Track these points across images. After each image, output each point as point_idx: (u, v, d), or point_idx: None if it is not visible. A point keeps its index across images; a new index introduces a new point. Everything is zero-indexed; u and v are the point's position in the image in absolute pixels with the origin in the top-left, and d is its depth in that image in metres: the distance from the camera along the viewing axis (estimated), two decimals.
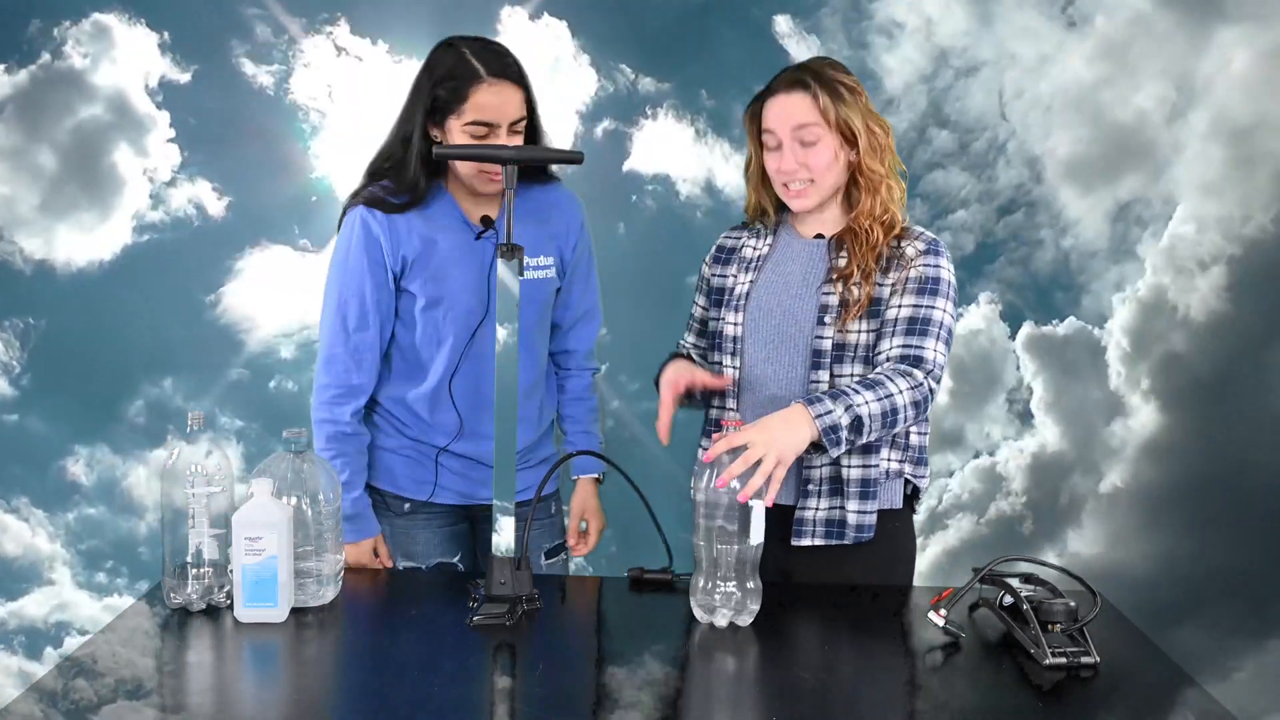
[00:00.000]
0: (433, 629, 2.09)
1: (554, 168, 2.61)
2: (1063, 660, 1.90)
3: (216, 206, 3.88)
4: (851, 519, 2.32)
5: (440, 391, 2.49)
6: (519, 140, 2.41)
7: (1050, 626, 1.95)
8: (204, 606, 2.11)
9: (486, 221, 2.45)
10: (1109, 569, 3.95)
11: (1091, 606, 1.97)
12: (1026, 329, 3.97)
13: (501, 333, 2.16)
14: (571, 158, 2.27)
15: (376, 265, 2.44)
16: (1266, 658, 3.88)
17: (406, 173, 2.43)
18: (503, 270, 2.14)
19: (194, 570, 2.10)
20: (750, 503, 2.04)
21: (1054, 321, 3.97)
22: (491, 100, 2.35)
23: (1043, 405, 3.99)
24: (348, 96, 3.84)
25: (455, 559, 2.60)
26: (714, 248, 2.55)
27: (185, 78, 3.84)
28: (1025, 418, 3.99)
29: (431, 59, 2.43)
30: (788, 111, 2.33)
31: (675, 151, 3.95)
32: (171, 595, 2.11)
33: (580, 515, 2.68)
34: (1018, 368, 3.99)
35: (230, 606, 2.08)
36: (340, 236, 2.49)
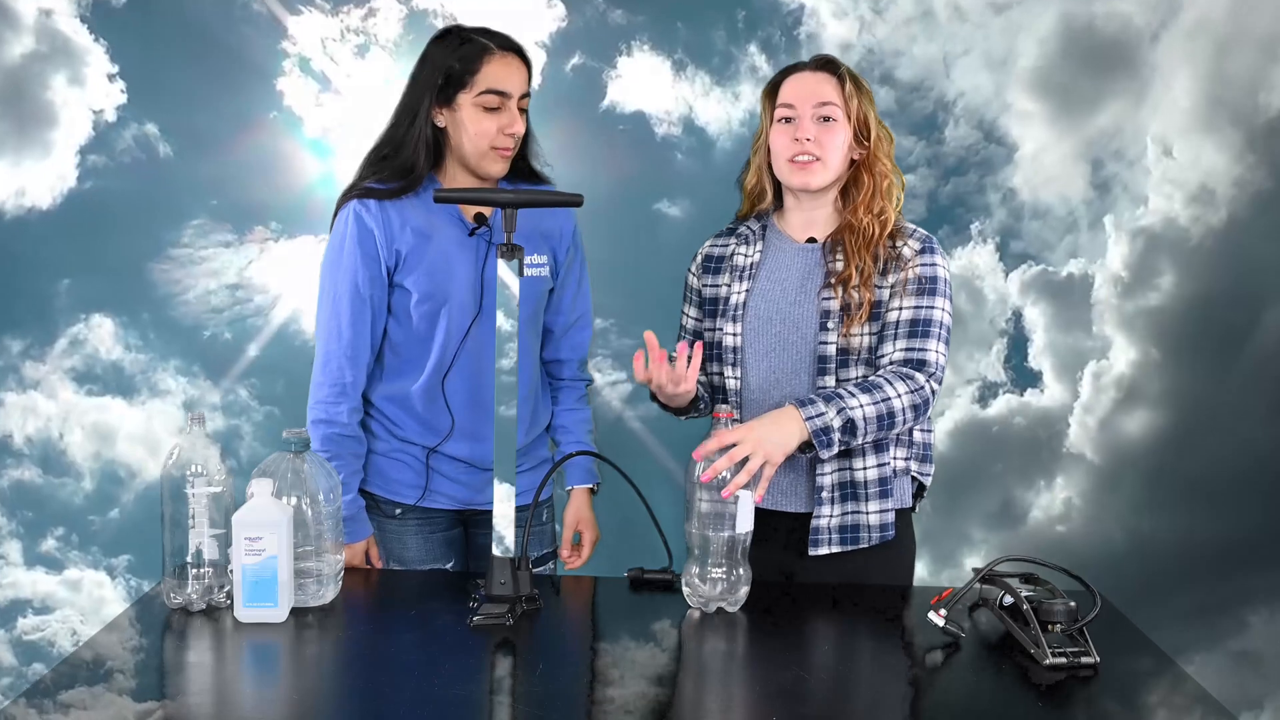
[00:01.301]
0: (433, 629, 2.23)
1: (544, 169, 2.74)
2: (1063, 660, 2.06)
3: (164, 149, 3.92)
4: (874, 519, 2.50)
5: (433, 389, 2.63)
6: (524, 118, 2.58)
7: (1050, 626, 2.11)
8: (204, 606, 2.24)
9: (480, 219, 2.58)
10: (1086, 534, 4.11)
11: (1091, 606, 2.14)
12: (1012, 276, 4.07)
13: (503, 332, 2.30)
14: (571, 200, 2.39)
15: (370, 259, 2.57)
16: (1245, 634, 4.07)
17: (404, 153, 2.57)
18: (502, 270, 2.27)
19: (194, 570, 2.24)
20: (738, 493, 2.24)
21: (1033, 264, 4.07)
22: (502, 71, 2.52)
23: (1023, 357, 4.10)
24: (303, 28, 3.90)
25: (449, 565, 2.75)
26: (700, 257, 2.68)
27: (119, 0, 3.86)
28: (1002, 371, 4.10)
29: (430, 47, 2.58)
30: (812, 87, 2.49)
31: (652, 88, 4.00)
32: (171, 595, 2.25)
33: (574, 526, 2.83)
34: (1017, 316, 4.11)
35: (230, 606, 2.22)
36: (334, 232, 2.62)
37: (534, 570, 2.71)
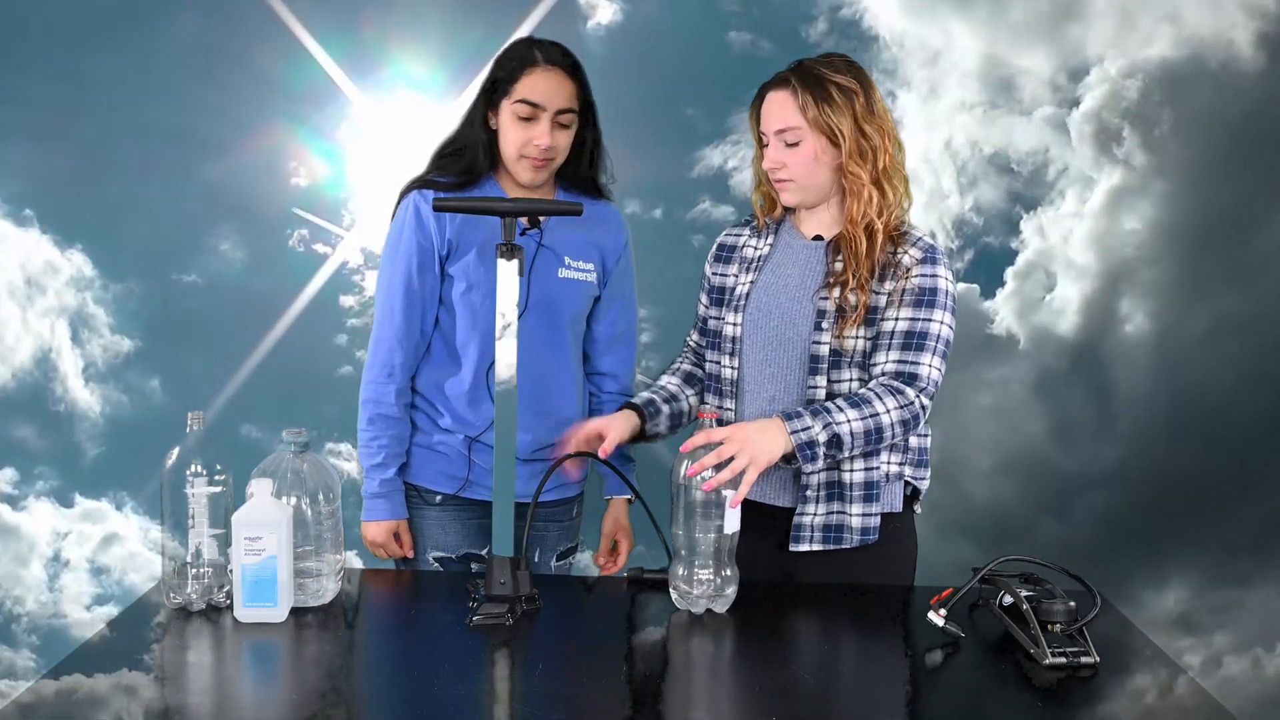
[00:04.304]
0: (433, 629, 2.24)
1: (607, 185, 2.83)
2: (1063, 660, 2.05)
3: None
4: (855, 522, 2.50)
5: (477, 380, 2.71)
6: (564, 133, 2.65)
7: (1050, 626, 2.11)
8: (204, 606, 2.25)
9: (533, 219, 2.61)
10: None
11: (1091, 606, 2.14)
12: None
13: (506, 335, 2.31)
14: (570, 209, 2.41)
15: (424, 250, 2.69)
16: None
17: (466, 154, 2.69)
18: (502, 272, 2.29)
19: (194, 570, 2.25)
20: (724, 493, 2.24)
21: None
22: (540, 84, 2.61)
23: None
24: None
25: (484, 550, 2.79)
26: (715, 246, 2.73)
27: None
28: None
29: (506, 49, 2.69)
30: (771, 111, 2.51)
31: None
32: (171, 595, 2.26)
33: (612, 535, 2.91)
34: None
35: (230, 606, 2.23)
36: (394, 221, 2.74)
37: (559, 563, 2.86)
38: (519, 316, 2.58)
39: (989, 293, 3.97)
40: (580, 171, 2.79)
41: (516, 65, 2.63)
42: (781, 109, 2.49)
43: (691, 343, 2.77)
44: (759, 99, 2.55)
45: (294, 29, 3.81)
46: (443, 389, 2.76)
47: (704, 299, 2.73)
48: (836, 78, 2.47)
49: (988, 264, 3.96)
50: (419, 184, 2.72)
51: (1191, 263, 3.94)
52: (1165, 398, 3.95)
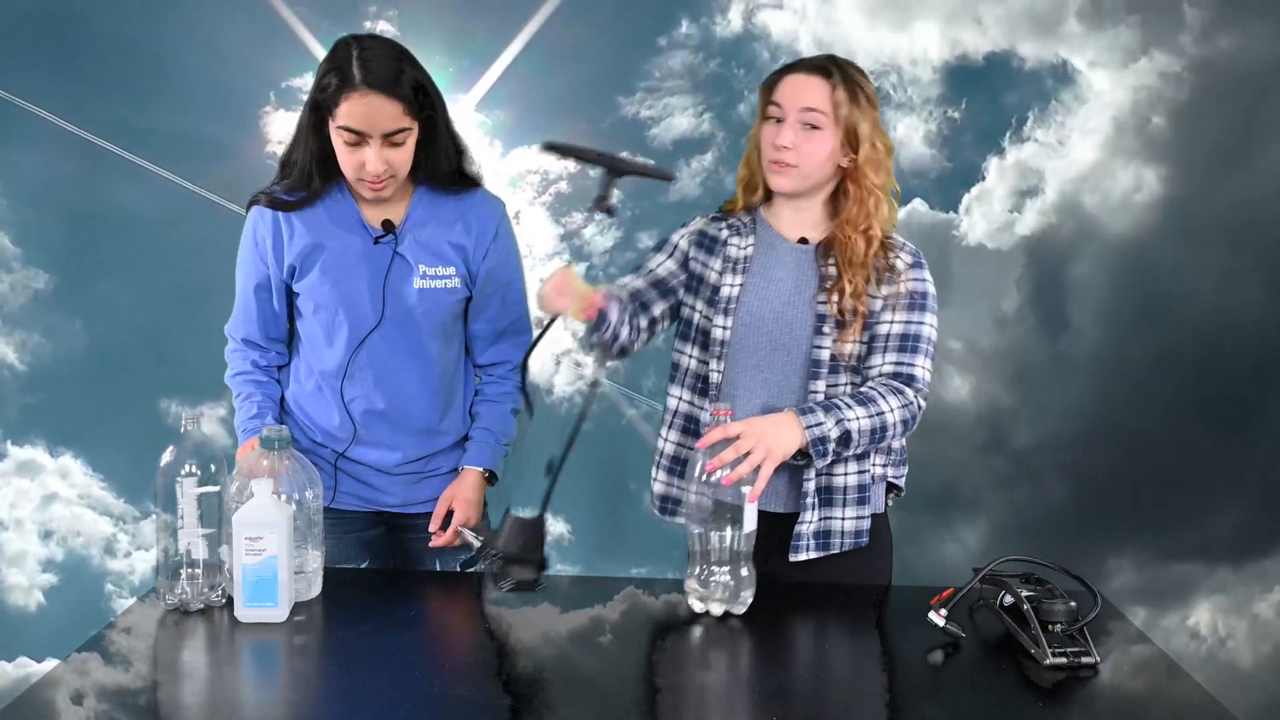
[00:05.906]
0: (433, 628, 2.24)
1: (477, 172, 2.68)
2: (1063, 660, 2.05)
3: None
4: (849, 525, 2.50)
5: (331, 395, 2.66)
6: (399, 150, 2.48)
7: (1050, 626, 2.11)
8: (201, 606, 2.24)
9: (387, 226, 2.58)
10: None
11: (1091, 606, 2.14)
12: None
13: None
14: (662, 174, 2.37)
15: (260, 268, 2.63)
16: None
17: (300, 169, 2.56)
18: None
19: (187, 570, 2.23)
20: (743, 489, 2.22)
21: None
22: (360, 110, 2.42)
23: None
24: None
25: (362, 564, 2.76)
26: (695, 231, 2.62)
27: None
28: None
29: (328, 55, 2.49)
30: (801, 90, 2.46)
31: None
32: (168, 596, 2.24)
33: (448, 502, 2.70)
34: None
35: (225, 606, 2.22)
36: (243, 233, 2.66)
37: (466, 570, 2.67)
38: (374, 329, 2.59)
39: (950, 207, 3.93)
40: (440, 169, 2.60)
41: (335, 88, 2.42)
42: (816, 92, 2.44)
43: (625, 283, 2.58)
44: (781, 74, 2.50)
45: (294, 29, 3.81)
46: (308, 403, 2.70)
47: (670, 263, 2.60)
48: (864, 84, 2.48)
49: (963, 179, 3.93)
50: (263, 200, 2.61)
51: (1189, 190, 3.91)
52: (1140, 337, 3.92)
